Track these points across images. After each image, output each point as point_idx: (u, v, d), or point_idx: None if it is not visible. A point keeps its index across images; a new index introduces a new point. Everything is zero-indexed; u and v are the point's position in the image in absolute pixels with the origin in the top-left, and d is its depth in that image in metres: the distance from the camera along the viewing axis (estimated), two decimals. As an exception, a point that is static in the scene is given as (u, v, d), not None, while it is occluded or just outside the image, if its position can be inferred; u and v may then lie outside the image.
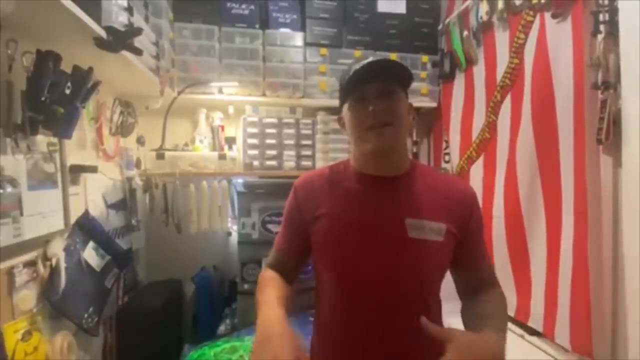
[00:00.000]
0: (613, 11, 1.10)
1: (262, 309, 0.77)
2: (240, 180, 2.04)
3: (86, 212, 1.40)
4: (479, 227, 0.89)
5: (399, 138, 0.85)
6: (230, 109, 2.11)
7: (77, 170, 1.36)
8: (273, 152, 2.03)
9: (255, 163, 2.01)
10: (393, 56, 2.08)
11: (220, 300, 2.12)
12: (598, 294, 1.14)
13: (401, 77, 0.85)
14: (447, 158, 2.12)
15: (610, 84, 1.09)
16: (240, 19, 2.00)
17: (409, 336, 0.81)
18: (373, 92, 0.82)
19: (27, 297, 1.07)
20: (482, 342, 0.69)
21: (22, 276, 1.05)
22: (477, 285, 0.88)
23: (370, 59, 0.82)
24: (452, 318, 0.91)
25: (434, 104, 2.18)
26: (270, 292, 0.83)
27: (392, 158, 0.87)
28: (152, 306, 1.75)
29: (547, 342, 1.34)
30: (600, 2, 1.13)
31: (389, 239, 0.83)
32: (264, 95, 2.01)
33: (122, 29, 1.17)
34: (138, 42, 1.27)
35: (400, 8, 2.14)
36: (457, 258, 0.87)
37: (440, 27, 2.14)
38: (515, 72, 1.54)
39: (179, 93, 1.87)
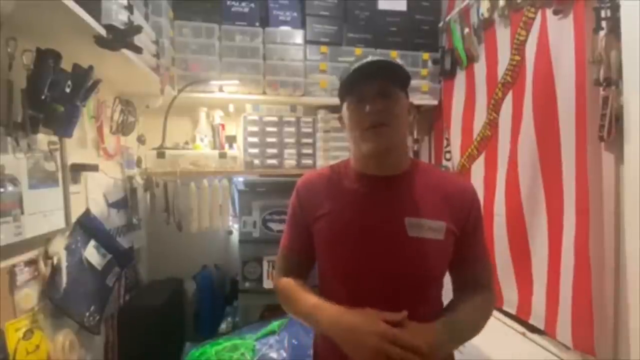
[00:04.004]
0: (615, 8, 1.09)
1: (318, 312, 0.81)
2: (241, 179, 2.03)
3: (87, 211, 1.40)
4: (477, 225, 0.89)
5: (398, 138, 0.85)
6: (231, 108, 2.11)
7: (78, 169, 1.36)
8: (274, 151, 2.03)
9: (256, 161, 2.01)
10: (394, 54, 2.08)
11: (222, 299, 2.13)
12: (600, 291, 1.14)
13: (399, 77, 0.85)
14: (448, 156, 2.11)
15: (612, 81, 1.09)
16: (241, 16, 1.99)
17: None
18: (371, 93, 0.82)
19: (28, 295, 1.07)
20: (427, 330, 0.75)
21: (23, 275, 1.05)
22: (470, 285, 0.88)
23: (369, 58, 0.82)
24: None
25: (434, 102, 2.18)
26: (307, 296, 0.86)
27: (391, 158, 0.87)
28: (153, 305, 1.76)
29: (548, 340, 1.33)
30: (602, -2, 1.13)
31: (389, 238, 0.83)
32: (264, 93, 2.01)
33: (122, 27, 1.17)
34: (138, 40, 1.26)
35: (401, 5, 2.13)
36: (454, 255, 0.86)
37: (441, 24, 2.13)
38: (516, 69, 1.53)
39: (179, 91, 1.87)
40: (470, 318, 0.84)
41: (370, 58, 0.82)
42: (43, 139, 1.13)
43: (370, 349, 0.71)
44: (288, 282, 0.92)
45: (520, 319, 1.48)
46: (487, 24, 1.73)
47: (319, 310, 0.82)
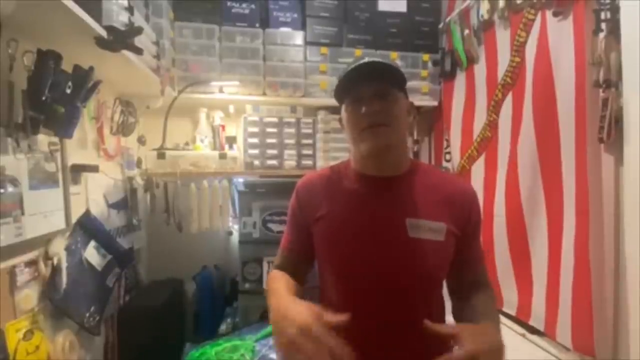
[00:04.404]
0: (614, 9, 1.10)
1: (272, 300, 0.78)
2: (241, 180, 2.04)
3: (87, 212, 1.41)
4: (476, 228, 0.89)
5: (396, 138, 0.85)
6: (231, 108, 2.11)
7: (78, 170, 1.36)
8: (274, 152, 2.03)
9: (256, 162, 2.01)
10: (394, 55, 2.08)
11: (221, 299, 2.13)
12: (600, 292, 1.14)
13: (397, 78, 0.85)
14: (447, 157, 2.12)
15: (612, 83, 1.09)
16: (241, 18, 2.00)
17: (411, 335, 0.81)
18: (368, 94, 0.82)
19: (28, 296, 1.07)
20: (485, 330, 0.72)
21: (23, 275, 1.05)
22: (470, 286, 0.89)
23: (365, 59, 0.83)
24: (453, 317, 0.91)
25: (434, 103, 2.18)
26: (279, 285, 0.84)
27: (390, 158, 0.87)
28: (153, 305, 1.76)
29: (548, 341, 1.33)
30: (602, 0, 1.13)
31: (389, 239, 0.83)
32: (264, 94, 2.01)
33: (123, 29, 1.17)
34: (138, 41, 1.26)
35: (401, 7, 2.13)
36: (454, 257, 0.87)
37: (441, 25, 2.13)
38: (516, 70, 1.53)
39: (180, 92, 1.87)
40: (494, 313, 0.85)
41: (366, 59, 0.82)
42: (43, 139, 1.13)
43: (288, 338, 0.66)
44: (275, 273, 0.91)
45: (520, 320, 1.48)
46: (487, 26, 1.73)
47: (272, 297, 0.78)
